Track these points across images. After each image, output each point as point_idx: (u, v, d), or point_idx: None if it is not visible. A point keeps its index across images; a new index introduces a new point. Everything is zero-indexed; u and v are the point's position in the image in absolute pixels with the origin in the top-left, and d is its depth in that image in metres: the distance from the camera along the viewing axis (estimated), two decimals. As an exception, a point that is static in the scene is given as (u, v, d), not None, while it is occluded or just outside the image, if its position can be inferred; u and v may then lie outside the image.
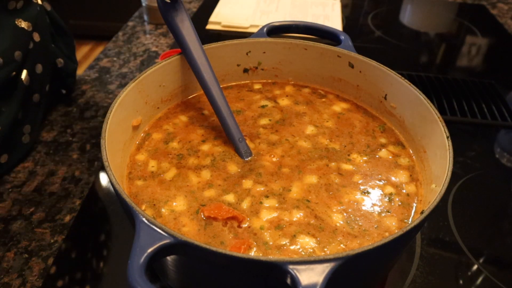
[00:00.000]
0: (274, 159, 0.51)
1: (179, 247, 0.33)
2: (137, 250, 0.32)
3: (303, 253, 0.41)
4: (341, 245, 0.42)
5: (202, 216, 0.44)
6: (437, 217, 0.59)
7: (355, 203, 0.46)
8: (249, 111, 0.59)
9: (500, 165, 0.71)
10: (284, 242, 0.42)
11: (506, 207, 0.64)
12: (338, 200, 0.47)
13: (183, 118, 0.57)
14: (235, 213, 0.44)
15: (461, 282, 0.52)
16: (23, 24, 0.61)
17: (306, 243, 0.42)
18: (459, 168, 0.67)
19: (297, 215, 0.45)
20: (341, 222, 0.44)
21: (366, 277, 0.43)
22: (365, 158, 0.52)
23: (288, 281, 0.32)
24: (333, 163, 0.51)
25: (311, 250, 0.41)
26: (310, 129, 0.56)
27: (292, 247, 0.41)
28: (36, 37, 0.64)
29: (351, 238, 0.43)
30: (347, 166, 0.51)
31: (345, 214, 0.45)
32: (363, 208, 0.46)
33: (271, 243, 0.42)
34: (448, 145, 0.44)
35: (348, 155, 0.52)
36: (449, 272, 0.52)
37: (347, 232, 0.43)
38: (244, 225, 0.43)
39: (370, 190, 0.48)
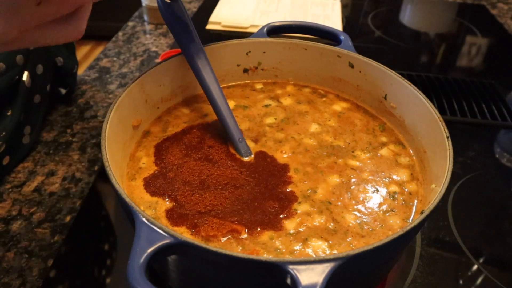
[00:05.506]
0: (284, 156, 0.52)
1: (179, 247, 0.33)
2: (137, 250, 0.32)
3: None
4: (351, 245, 0.42)
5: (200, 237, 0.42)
6: (437, 217, 0.59)
7: (365, 202, 0.46)
8: (255, 109, 0.59)
9: (500, 165, 0.71)
10: (297, 248, 0.41)
11: (506, 207, 0.64)
12: (355, 200, 0.46)
13: (185, 110, 0.57)
14: (233, 226, 0.43)
15: (461, 282, 0.52)
16: None
17: (318, 246, 0.41)
18: (459, 168, 0.67)
19: (317, 220, 0.44)
20: (353, 222, 0.44)
21: (366, 277, 0.43)
22: (368, 155, 0.52)
23: (288, 281, 0.32)
24: (340, 160, 0.51)
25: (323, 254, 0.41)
26: (314, 127, 0.56)
27: (303, 249, 0.41)
28: None
29: (359, 237, 0.43)
30: (353, 163, 0.51)
31: (357, 214, 0.45)
32: (371, 206, 0.46)
33: (284, 250, 0.41)
34: (448, 145, 0.44)
35: (353, 151, 0.53)
36: (449, 272, 0.52)
37: (356, 232, 0.43)
38: (243, 236, 0.42)
39: (377, 188, 0.48)
